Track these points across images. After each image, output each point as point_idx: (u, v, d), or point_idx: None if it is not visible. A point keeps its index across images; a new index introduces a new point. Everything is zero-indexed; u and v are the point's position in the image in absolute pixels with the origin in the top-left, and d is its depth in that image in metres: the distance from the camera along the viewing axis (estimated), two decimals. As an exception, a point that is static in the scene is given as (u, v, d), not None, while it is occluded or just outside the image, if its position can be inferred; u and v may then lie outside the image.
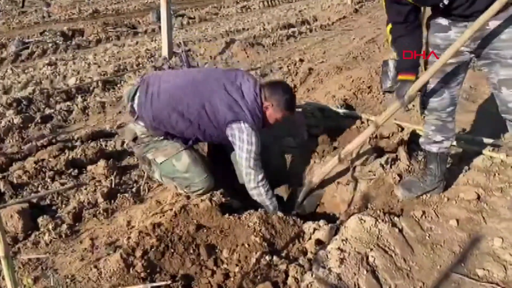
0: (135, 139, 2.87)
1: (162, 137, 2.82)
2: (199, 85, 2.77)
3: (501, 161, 3.05)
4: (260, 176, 2.77)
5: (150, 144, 2.84)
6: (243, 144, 2.69)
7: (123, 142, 3.50)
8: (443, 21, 2.36)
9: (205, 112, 2.70)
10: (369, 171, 3.00)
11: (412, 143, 3.31)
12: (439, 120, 2.62)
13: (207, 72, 2.90)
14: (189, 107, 2.71)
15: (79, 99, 4.58)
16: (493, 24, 2.18)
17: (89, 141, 3.52)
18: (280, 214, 2.58)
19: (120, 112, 4.25)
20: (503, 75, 2.27)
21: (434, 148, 2.72)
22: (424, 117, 2.72)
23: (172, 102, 2.73)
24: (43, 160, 3.09)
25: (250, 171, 2.75)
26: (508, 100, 2.31)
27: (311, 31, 8.08)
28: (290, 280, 2.07)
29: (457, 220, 2.52)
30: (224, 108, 2.67)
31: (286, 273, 2.11)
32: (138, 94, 2.82)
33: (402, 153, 3.06)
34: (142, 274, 2.08)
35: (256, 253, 2.21)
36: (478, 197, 2.72)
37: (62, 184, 2.87)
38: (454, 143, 2.75)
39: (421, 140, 2.82)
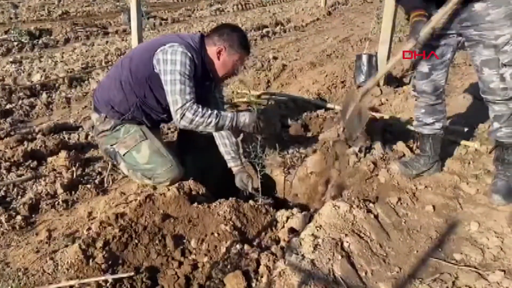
0: (92, 127, 2.76)
1: (113, 125, 2.65)
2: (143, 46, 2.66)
3: (475, 149, 3.14)
4: (188, 104, 2.32)
5: (108, 136, 2.68)
6: (166, 66, 2.32)
7: (87, 135, 3.32)
8: None
9: (135, 64, 2.51)
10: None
11: (387, 133, 3.26)
12: (429, 102, 2.68)
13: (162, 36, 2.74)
14: (123, 69, 2.58)
15: (44, 95, 4.36)
16: (479, 6, 2.24)
17: (51, 134, 3.32)
18: (251, 202, 2.47)
19: (86, 107, 4.06)
20: (485, 56, 2.32)
21: (425, 130, 2.77)
22: (416, 99, 2.78)
23: (116, 72, 2.64)
24: (-2, 151, 2.89)
25: (176, 98, 2.33)
26: (489, 81, 2.36)
27: (285, 31, 8.05)
28: (262, 269, 1.96)
29: (433, 206, 2.48)
30: (155, 45, 2.42)
31: (258, 261, 2.00)
32: None
33: (376, 141, 2.99)
34: (103, 266, 1.94)
35: (226, 242, 2.10)
36: (454, 184, 2.71)
37: (19, 176, 2.68)
38: (447, 123, 2.83)
39: (414, 123, 2.90)
